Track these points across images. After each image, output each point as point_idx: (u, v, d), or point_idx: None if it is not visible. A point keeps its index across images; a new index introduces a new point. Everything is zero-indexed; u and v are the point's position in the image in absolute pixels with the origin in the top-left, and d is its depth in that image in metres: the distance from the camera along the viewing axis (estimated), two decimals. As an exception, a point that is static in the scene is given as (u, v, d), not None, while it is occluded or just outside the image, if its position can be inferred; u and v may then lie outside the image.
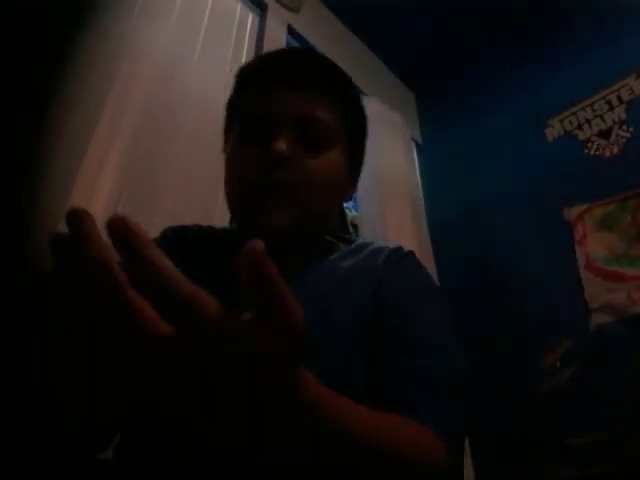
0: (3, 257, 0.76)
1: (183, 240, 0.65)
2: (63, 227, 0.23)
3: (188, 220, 1.14)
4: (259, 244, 0.23)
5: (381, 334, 0.53)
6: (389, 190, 1.89)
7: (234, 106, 0.66)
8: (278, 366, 0.24)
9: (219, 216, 1.24)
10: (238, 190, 0.59)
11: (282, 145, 0.55)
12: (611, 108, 1.82)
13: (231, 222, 0.78)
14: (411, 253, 0.63)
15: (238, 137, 0.61)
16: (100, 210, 1.00)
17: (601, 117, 1.84)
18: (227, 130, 0.66)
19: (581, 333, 1.57)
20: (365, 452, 0.33)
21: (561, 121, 1.94)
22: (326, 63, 0.64)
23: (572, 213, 1.75)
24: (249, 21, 1.71)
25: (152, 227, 1.09)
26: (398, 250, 0.63)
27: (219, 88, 1.40)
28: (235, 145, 0.61)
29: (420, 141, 2.45)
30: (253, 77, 0.63)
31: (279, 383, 0.24)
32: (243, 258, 0.23)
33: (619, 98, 1.81)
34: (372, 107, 2.09)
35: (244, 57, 1.58)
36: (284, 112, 0.58)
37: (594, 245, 1.66)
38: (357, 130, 0.66)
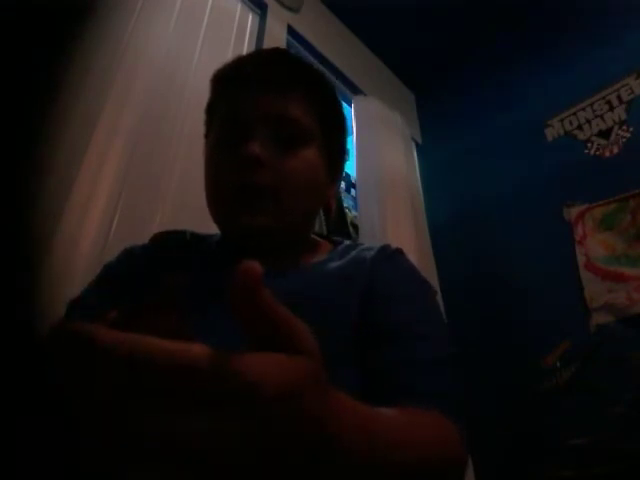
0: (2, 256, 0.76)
1: (176, 246, 0.65)
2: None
3: (188, 221, 1.14)
4: (255, 266, 0.20)
5: (377, 322, 0.53)
6: (389, 190, 1.89)
7: (212, 111, 0.66)
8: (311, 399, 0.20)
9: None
10: (218, 194, 0.60)
11: (256, 147, 0.55)
12: (611, 108, 1.82)
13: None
14: (399, 250, 0.64)
15: (216, 141, 0.61)
16: (100, 210, 1.00)
17: (601, 117, 1.84)
18: (207, 135, 0.67)
19: (581, 333, 1.57)
20: (394, 460, 0.31)
21: (561, 121, 1.94)
22: (299, 63, 0.64)
23: (572, 213, 1.75)
24: (249, 21, 1.71)
25: (152, 228, 1.09)
26: (386, 247, 0.63)
27: (219, 88, 1.40)
28: (213, 149, 0.61)
29: (420, 141, 2.45)
30: (227, 81, 0.64)
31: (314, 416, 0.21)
32: (237, 284, 0.20)
33: (619, 98, 1.81)
34: (372, 107, 2.09)
35: (244, 57, 1.58)
36: (258, 113, 0.58)
37: (594, 245, 1.66)
38: (334, 129, 0.66)
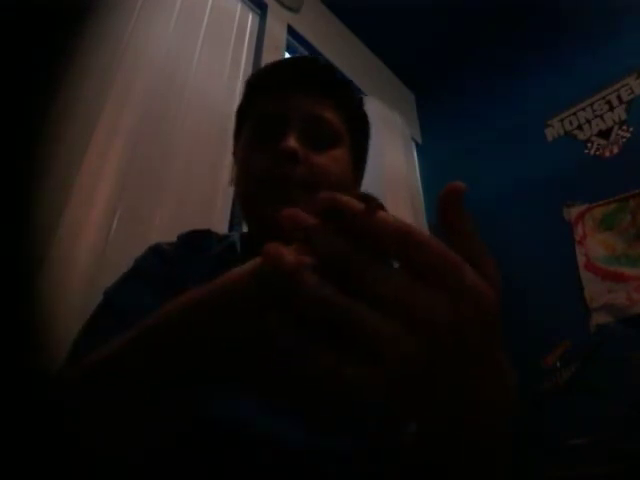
0: (3, 254, 0.76)
1: (202, 245, 0.65)
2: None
3: (188, 220, 1.14)
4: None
5: None
6: (389, 190, 1.89)
7: (246, 111, 0.69)
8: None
9: (218, 216, 1.24)
10: (251, 186, 0.61)
11: (292, 142, 0.57)
12: (611, 108, 1.82)
13: (229, 230, 0.80)
14: None
15: (251, 138, 0.64)
16: (100, 210, 1.00)
17: (601, 117, 1.84)
18: (237, 135, 0.70)
19: (581, 333, 1.57)
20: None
21: (561, 121, 1.94)
22: (331, 69, 0.68)
23: (572, 213, 1.75)
24: (249, 21, 1.71)
25: (152, 228, 1.09)
26: None
27: (219, 88, 1.40)
28: (248, 145, 0.64)
29: (420, 141, 2.45)
30: (263, 82, 0.67)
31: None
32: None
33: (619, 98, 1.81)
34: (372, 107, 2.09)
35: (244, 57, 1.58)
36: (295, 113, 0.61)
37: (594, 245, 1.66)
38: (360, 132, 0.70)
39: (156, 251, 0.63)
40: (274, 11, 1.81)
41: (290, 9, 1.90)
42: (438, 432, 0.25)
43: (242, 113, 0.70)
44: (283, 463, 0.44)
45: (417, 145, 2.41)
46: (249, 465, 0.43)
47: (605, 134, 1.80)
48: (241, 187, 0.63)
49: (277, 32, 1.79)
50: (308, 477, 0.44)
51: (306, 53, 1.97)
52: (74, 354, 0.49)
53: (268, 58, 1.63)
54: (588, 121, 1.87)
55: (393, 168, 1.99)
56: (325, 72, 0.66)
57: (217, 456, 0.44)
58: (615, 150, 1.75)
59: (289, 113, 0.61)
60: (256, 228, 0.64)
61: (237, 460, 0.43)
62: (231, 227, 1.26)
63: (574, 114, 1.91)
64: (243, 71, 1.52)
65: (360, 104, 0.70)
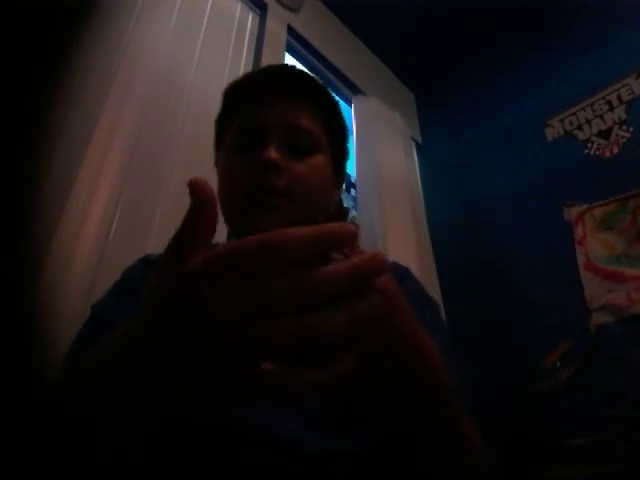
0: (2, 254, 0.76)
1: None
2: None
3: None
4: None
5: None
6: (389, 190, 1.89)
7: (225, 121, 0.70)
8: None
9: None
10: (234, 198, 0.62)
11: (273, 153, 0.58)
12: (611, 108, 1.82)
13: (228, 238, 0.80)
14: (408, 269, 0.68)
15: (231, 148, 0.64)
16: (100, 211, 1.00)
17: (601, 117, 1.84)
18: (218, 145, 0.71)
19: (581, 333, 1.57)
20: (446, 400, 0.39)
21: (561, 121, 1.94)
22: (307, 77, 0.68)
23: (572, 213, 1.75)
24: (249, 21, 1.71)
25: (152, 228, 1.09)
26: (397, 267, 0.67)
27: (219, 88, 1.39)
28: (229, 156, 0.64)
29: (420, 141, 2.45)
30: (242, 92, 0.68)
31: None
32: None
33: (619, 98, 1.81)
34: (372, 107, 2.09)
35: (244, 57, 1.58)
36: (275, 122, 0.62)
37: (594, 245, 1.66)
38: (338, 136, 0.71)
39: (144, 263, 0.64)
40: (274, 11, 1.81)
41: (290, 9, 1.90)
42: (389, 396, 0.34)
43: (222, 123, 0.70)
44: (297, 465, 0.44)
45: (417, 145, 2.41)
46: (261, 466, 0.43)
47: (605, 134, 1.80)
48: (224, 197, 0.63)
49: (277, 32, 1.79)
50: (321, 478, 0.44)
51: (306, 53, 1.97)
52: (65, 369, 0.50)
53: (268, 58, 1.63)
54: (588, 121, 1.86)
55: (393, 168, 1.99)
56: (301, 80, 0.67)
57: (231, 457, 0.44)
58: (615, 150, 1.75)
59: (269, 123, 0.61)
60: (238, 238, 0.65)
61: (250, 461, 0.44)
62: (231, 227, 1.26)
63: (574, 114, 1.91)
64: (243, 71, 1.52)
65: (337, 109, 0.71)
